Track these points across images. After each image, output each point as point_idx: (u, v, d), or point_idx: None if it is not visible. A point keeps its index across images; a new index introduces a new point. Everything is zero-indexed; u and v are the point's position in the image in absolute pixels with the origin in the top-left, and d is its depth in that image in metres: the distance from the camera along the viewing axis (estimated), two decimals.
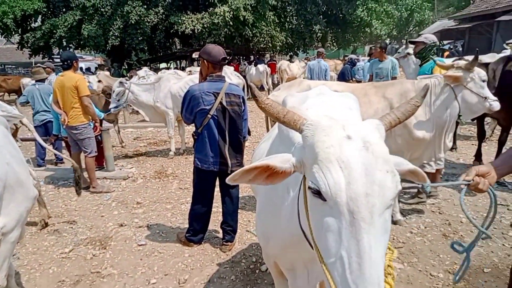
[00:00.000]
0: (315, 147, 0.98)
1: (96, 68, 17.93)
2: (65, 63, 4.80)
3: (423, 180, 1.22)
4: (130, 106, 7.20)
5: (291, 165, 1.08)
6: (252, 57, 22.12)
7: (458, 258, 3.14)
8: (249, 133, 3.61)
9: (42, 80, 6.46)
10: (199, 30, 16.34)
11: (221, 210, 3.59)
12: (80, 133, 4.84)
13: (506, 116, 4.85)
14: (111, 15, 17.14)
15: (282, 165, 1.08)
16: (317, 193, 0.96)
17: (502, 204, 4.08)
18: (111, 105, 6.53)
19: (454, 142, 6.41)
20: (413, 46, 5.03)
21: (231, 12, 15.45)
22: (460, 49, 18.81)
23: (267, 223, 1.61)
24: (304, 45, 20.97)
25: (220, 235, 3.61)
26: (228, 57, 3.26)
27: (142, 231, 3.89)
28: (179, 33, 17.11)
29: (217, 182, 3.43)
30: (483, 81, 3.30)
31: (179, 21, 16.29)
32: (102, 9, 17.02)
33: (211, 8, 16.37)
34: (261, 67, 14.95)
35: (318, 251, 0.99)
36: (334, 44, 23.72)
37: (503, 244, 3.31)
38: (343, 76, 10.28)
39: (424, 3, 31.48)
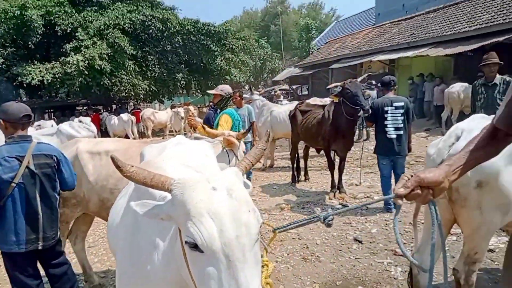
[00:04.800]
0: (186, 204, 1.06)
1: None
2: None
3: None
4: None
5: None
6: (114, 106, 21.23)
7: (316, 277, 3.48)
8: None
9: None
10: (49, 81, 14.97)
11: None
12: None
13: (343, 148, 5.82)
14: None
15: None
16: (194, 247, 1.03)
17: (346, 222, 4.74)
18: None
19: (306, 173, 7.27)
20: (258, 92, 5.60)
21: (86, 61, 14.70)
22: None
23: (134, 282, 1.50)
24: (168, 92, 21.19)
25: None
26: (31, 115, 2.77)
27: None
28: (24, 84, 15.35)
29: None
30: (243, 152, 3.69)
31: (24, 71, 14.66)
32: None
33: (63, 57, 15.28)
34: (125, 116, 14.39)
35: None
36: (198, 91, 24.62)
37: (349, 257, 3.82)
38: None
39: (274, 54, 35.75)
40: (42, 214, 2.67)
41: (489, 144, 1.32)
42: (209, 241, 1.00)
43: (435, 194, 1.25)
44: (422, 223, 2.83)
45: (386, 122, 4.89)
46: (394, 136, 4.87)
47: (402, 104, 4.89)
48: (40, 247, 2.66)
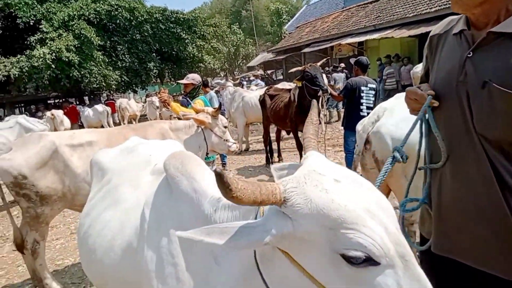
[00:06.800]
0: (330, 212, 0.81)
1: None
2: None
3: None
4: None
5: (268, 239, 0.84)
6: (86, 98, 20.88)
7: None
8: None
9: None
10: (16, 75, 14.59)
11: None
12: None
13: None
14: None
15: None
16: (364, 261, 0.80)
17: None
18: None
19: (280, 154, 7.58)
20: (231, 80, 5.78)
21: (53, 54, 14.38)
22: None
23: None
24: (141, 82, 20.97)
25: None
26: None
27: None
28: None
29: None
30: (225, 127, 3.74)
31: None
32: None
33: (28, 51, 14.88)
34: (100, 107, 14.22)
35: None
36: (172, 79, 24.45)
37: None
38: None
39: (246, 39, 35.71)
40: None
41: None
42: (385, 246, 0.79)
43: None
44: None
45: (361, 101, 5.18)
46: (366, 114, 5.14)
47: (374, 86, 5.24)
48: None
